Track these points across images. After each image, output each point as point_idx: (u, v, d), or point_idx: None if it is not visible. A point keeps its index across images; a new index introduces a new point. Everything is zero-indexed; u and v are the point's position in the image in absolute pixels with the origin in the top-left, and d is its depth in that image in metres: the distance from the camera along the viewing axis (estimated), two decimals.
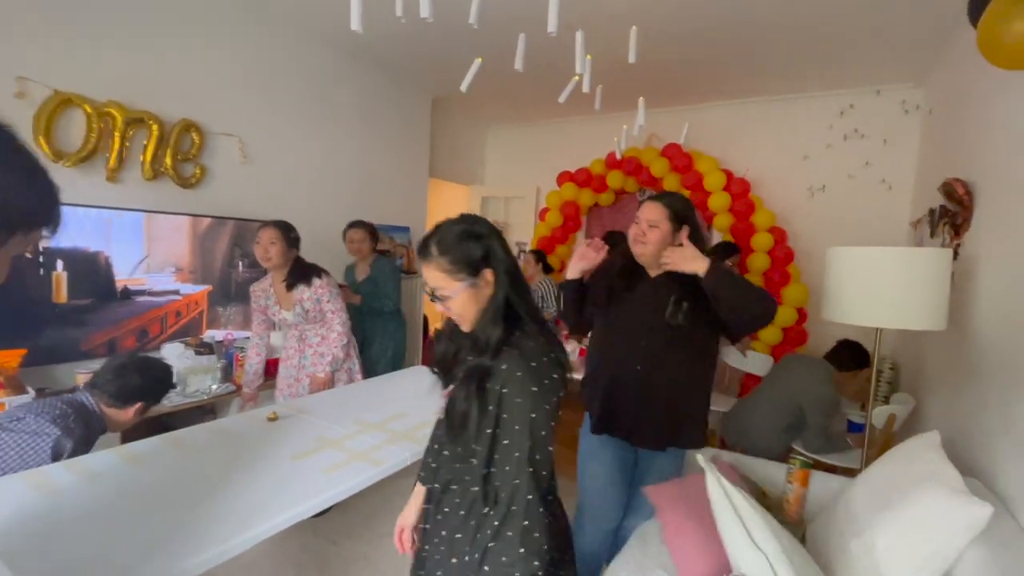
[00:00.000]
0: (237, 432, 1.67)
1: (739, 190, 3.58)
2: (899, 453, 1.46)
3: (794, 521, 1.70)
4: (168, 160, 2.46)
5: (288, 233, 2.22)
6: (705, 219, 3.84)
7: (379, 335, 3.02)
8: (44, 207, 0.65)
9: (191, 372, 2.45)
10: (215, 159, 2.71)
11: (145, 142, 2.38)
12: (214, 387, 2.49)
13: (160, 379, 1.75)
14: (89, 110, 2.18)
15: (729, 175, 3.63)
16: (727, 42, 2.90)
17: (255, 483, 1.33)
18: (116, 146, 2.27)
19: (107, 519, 1.12)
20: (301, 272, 2.24)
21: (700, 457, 1.30)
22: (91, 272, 2.23)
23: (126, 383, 1.63)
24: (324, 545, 2.14)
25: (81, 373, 2.10)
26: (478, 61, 2.31)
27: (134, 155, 2.37)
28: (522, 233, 5.01)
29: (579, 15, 2.56)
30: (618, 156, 3.72)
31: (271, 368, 2.53)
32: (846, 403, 2.81)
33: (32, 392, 1.92)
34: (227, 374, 2.63)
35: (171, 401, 2.29)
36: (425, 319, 4.80)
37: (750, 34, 2.79)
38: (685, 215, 1.54)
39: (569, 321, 1.75)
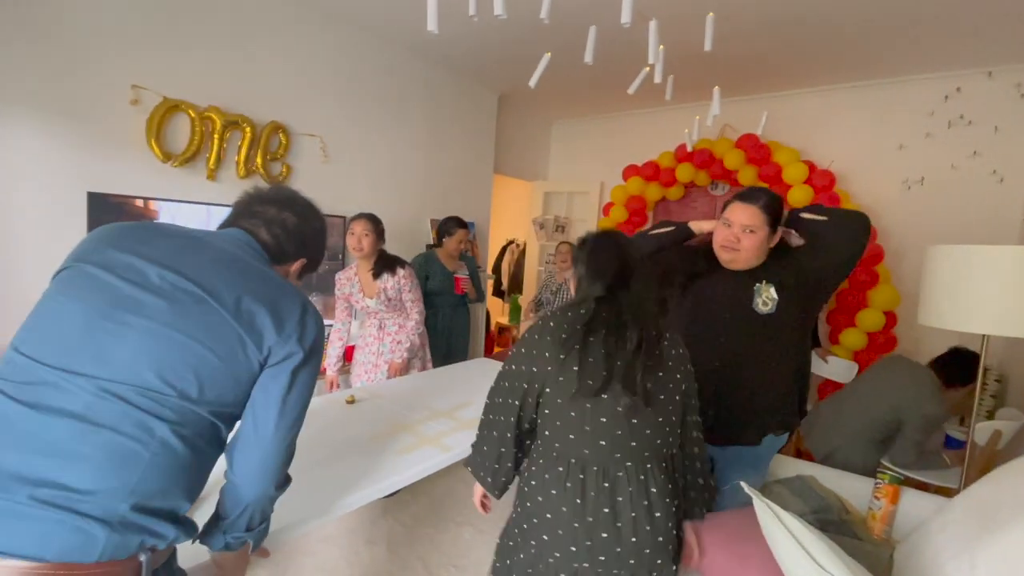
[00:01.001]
0: (320, 413, 1.79)
1: (823, 183, 3.34)
2: (1006, 472, 1.33)
3: (879, 539, 1.59)
4: (259, 159, 2.66)
5: (378, 225, 2.38)
6: None
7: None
8: (322, 259, 1.15)
9: None
10: (300, 158, 2.90)
11: (239, 143, 2.59)
12: None
13: None
14: (193, 115, 2.40)
15: (812, 167, 3.40)
16: (812, 26, 2.71)
17: (339, 461, 1.43)
18: (215, 147, 2.49)
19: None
20: (387, 262, 2.38)
21: (744, 484, 1.19)
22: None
23: None
24: (393, 525, 2.25)
25: None
26: (547, 56, 2.31)
27: (230, 155, 2.58)
28: (584, 228, 4.95)
29: (652, 3, 2.49)
30: (689, 148, 3.59)
31: (347, 355, 2.68)
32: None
33: None
34: None
35: None
36: (487, 313, 4.89)
37: (838, 16, 2.59)
38: (780, 215, 1.44)
39: (648, 249, 1.59)
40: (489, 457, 1.18)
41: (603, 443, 1.05)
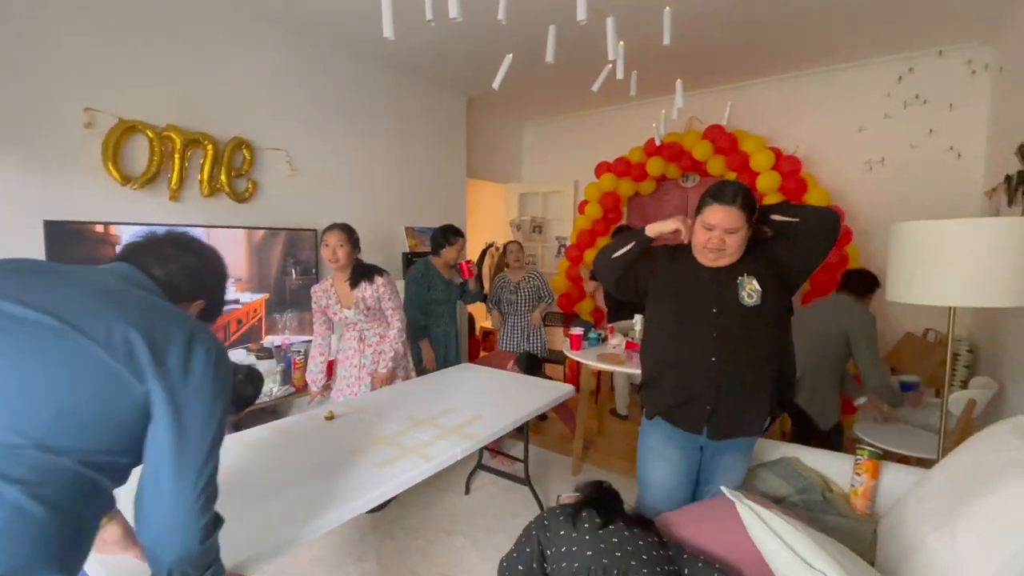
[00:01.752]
0: (298, 431, 1.75)
1: (790, 168, 3.40)
2: (981, 440, 1.35)
3: (863, 515, 1.62)
4: (223, 177, 2.61)
5: (352, 235, 2.33)
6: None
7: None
8: (223, 306, 1.09)
9: None
10: (265, 173, 2.85)
11: (202, 161, 2.53)
12: (275, 389, 2.63)
13: (259, 388, 1.92)
14: (151, 135, 2.34)
15: (778, 153, 3.46)
16: (766, 15, 2.76)
17: (316, 479, 1.39)
18: (176, 167, 2.43)
19: None
20: (364, 271, 2.34)
21: (725, 489, 1.24)
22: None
23: (242, 392, 1.80)
24: (382, 539, 2.21)
25: None
26: (508, 57, 2.31)
27: (192, 174, 2.53)
28: (561, 228, 4.98)
29: (608, 3, 2.51)
30: (657, 142, 3.63)
31: (330, 370, 2.63)
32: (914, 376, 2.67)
33: None
34: (286, 377, 2.76)
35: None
36: (471, 318, 4.86)
37: (791, 3, 2.64)
38: (755, 207, 1.44)
39: (614, 275, 1.60)
40: None
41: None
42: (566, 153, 4.92)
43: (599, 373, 3.56)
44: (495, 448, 2.83)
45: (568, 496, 1.55)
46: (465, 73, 3.69)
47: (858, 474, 1.66)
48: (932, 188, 3.25)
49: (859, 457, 1.67)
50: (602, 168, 4.26)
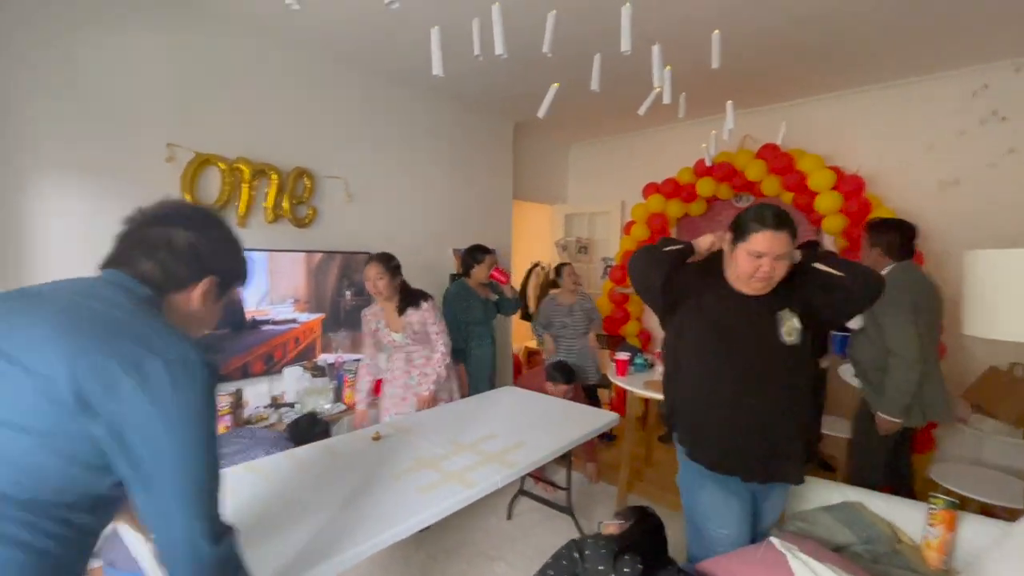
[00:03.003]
0: (347, 451, 1.81)
1: (851, 188, 3.24)
2: None
3: (937, 571, 1.48)
4: (285, 204, 2.78)
5: (389, 264, 2.39)
6: (812, 222, 3.53)
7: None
8: (245, 269, 0.99)
9: (308, 393, 2.72)
10: (324, 200, 3.01)
11: (267, 190, 2.71)
12: (327, 407, 2.73)
13: (325, 428, 2.47)
14: (223, 167, 2.53)
15: (839, 173, 3.31)
16: (823, 32, 2.67)
17: (362, 499, 1.43)
18: (244, 196, 2.61)
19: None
20: (410, 297, 2.43)
21: (776, 541, 1.17)
22: (226, 305, 2.57)
23: (311, 433, 2.31)
24: (426, 560, 2.23)
25: (220, 395, 2.40)
26: (554, 87, 2.35)
27: (258, 202, 2.71)
28: (607, 248, 4.94)
29: (655, 27, 2.51)
30: (708, 163, 3.55)
31: (376, 389, 2.72)
32: (999, 427, 2.42)
33: None
34: (338, 394, 2.87)
35: (291, 420, 2.54)
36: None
37: (850, 19, 2.54)
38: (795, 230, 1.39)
39: (660, 274, 1.48)
40: None
41: None
42: (612, 174, 4.90)
43: (647, 398, 3.47)
44: (538, 475, 2.80)
45: (610, 524, 1.51)
46: (512, 100, 3.78)
47: (932, 525, 1.53)
48: (1013, 211, 2.99)
49: (933, 507, 1.54)
50: (650, 189, 4.21)
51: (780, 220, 1.31)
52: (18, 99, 2.02)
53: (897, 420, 2.01)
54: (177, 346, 0.77)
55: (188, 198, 2.44)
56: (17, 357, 0.70)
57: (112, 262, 0.86)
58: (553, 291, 3.76)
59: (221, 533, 0.78)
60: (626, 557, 1.25)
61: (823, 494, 1.75)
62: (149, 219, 0.88)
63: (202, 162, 2.47)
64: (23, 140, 2.04)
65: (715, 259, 1.50)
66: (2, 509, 0.67)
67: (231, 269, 0.95)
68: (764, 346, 1.37)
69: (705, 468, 1.43)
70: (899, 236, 2.15)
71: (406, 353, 2.50)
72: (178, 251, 0.86)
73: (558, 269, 3.71)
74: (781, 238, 1.30)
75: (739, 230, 1.37)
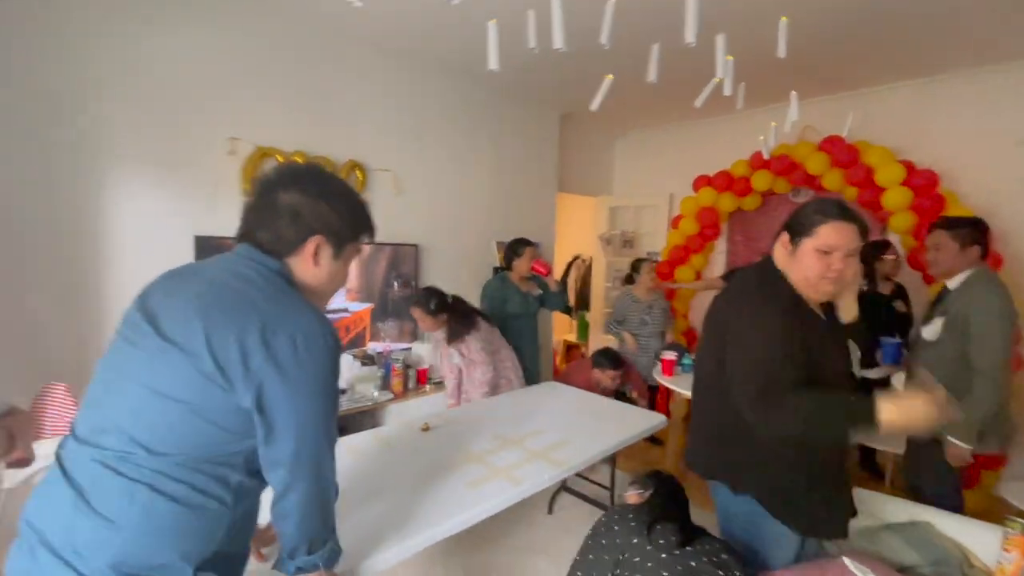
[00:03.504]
0: (397, 441, 1.86)
1: (924, 183, 3.02)
2: None
3: None
4: None
5: (428, 305, 2.47)
6: (878, 219, 3.32)
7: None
8: (357, 223, 0.97)
9: (358, 380, 2.80)
10: (375, 191, 3.07)
11: None
12: (375, 394, 2.81)
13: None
14: (281, 159, 2.62)
15: (910, 167, 3.09)
16: (901, 14, 2.48)
17: (413, 490, 1.47)
18: None
19: None
20: (455, 332, 2.50)
21: (849, 562, 1.12)
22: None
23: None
24: (469, 551, 2.27)
25: None
26: (609, 79, 2.29)
27: None
28: (653, 243, 4.82)
29: (717, 14, 2.40)
30: (765, 155, 3.40)
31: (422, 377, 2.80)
32: None
33: None
34: (385, 382, 2.94)
35: (342, 407, 2.63)
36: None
37: (931, 1, 2.35)
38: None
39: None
40: None
41: None
42: (660, 166, 4.76)
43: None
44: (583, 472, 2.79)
45: (631, 494, 1.48)
46: (561, 92, 3.72)
47: (1007, 550, 1.43)
48: None
49: (1010, 531, 1.43)
50: (701, 182, 4.07)
51: (845, 211, 1.19)
52: (93, 98, 2.15)
53: (969, 447, 1.78)
54: (300, 319, 0.83)
55: (249, 189, 2.54)
56: (172, 336, 0.79)
57: (242, 235, 0.91)
58: (628, 286, 3.67)
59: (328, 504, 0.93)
60: (658, 527, 1.22)
61: (889, 510, 1.66)
62: (262, 186, 0.91)
63: (262, 155, 2.56)
64: (98, 137, 2.17)
65: (773, 278, 1.28)
66: (164, 467, 0.77)
67: (338, 225, 0.92)
68: (845, 377, 1.26)
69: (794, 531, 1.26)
70: (985, 235, 1.95)
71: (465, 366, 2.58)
72: (282, 214, 0.88)
73: (636, 264, 3.61)
74: (850, 230, 1.18)
75: (800, 226, 1.22)
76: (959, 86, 3.18)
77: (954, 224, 1.96)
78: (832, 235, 1.17)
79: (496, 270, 3.76)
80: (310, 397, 0.84)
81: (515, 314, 2.97)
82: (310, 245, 0.89)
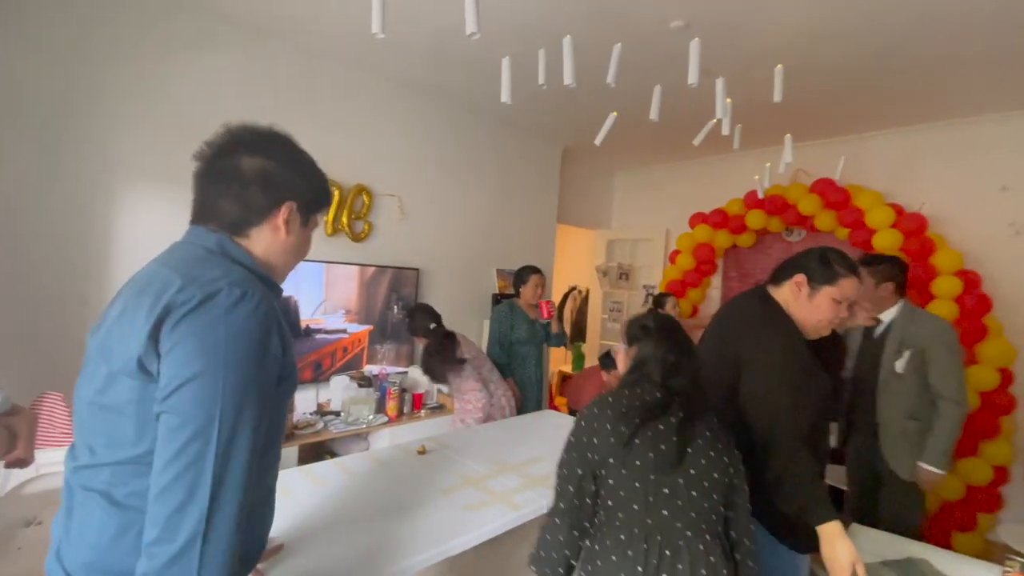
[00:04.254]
0: (392, 463, 1.84)
1: (913, 227, 3.12)
2: None
3: None
4: (344, 219, 2.90)
5: (410, 324, 2.60)
6: None
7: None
8: (323, 188, 0.94)
9: (353, 402, 2.78)
10: (380, 216, 3.12)
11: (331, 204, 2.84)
12: (370, 417, 2.78)
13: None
14: None
15: (899, 210, 3.20)
16: (891, 67, 2.62)
17: (412, 513, 1.45)
18: None
19: (294, 534, 1.30)
20: (453, 361, 2.50)
21: None
22: (284, 313, 2.68)
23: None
24: (474, 562, 2.21)
25: None
26: (613, 115, 2.39)
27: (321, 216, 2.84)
28: (649, 276, 4.89)
29: (718, 61, 2.52)
30: (760, 195, 3.50)
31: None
32: None
33: None
34: (380, 405, 2.92)
35: (336, 428, 2.60)
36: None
37: (921, 55, 2.49)
38: None
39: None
40: (556, 549, 1.15)
41: (665, 513, 1.08)
42: (658, 202, 4.89)
43: None
44: None
45: (619, 350, 1.31)
46: (564, 126, 3.85)
47: None
48: None
49: (1008, 569, 1.43)
50: (697, 219, 4.17)
51: (855, 265, 1.34)
52: (108, 113, 2.20)
53: (942, 472, 1.92)
54: (217, 281, 0.71)
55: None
56: (112, 357, 0.72)
57: (195, 215, 0.84)
58: None
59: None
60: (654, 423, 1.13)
61: (885, 547, 1.66)
62: (216, 151, 0.83)
63: None
64: (115, 155, 2.22)
65: (780, 314, 1.37)
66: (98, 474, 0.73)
67: (309, 191, 0.87)
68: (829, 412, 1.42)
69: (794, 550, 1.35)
70: (903, 273, 2.10)
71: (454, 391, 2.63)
72: (249, 180, 0.80)
73: (659, 299, 3.58)
74: (858, 284, 1.33)
75: (822, 274, 1.33)
76: (942, 136, 3.33)
77: (871, 260, 2.12)
78: (850, 289, 1.30)
79: (495, 297, 3.79)
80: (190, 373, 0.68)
81: (521, 340, 2.99)
82: (283, 212, 0.83)
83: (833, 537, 1.16)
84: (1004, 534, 2.13)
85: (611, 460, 1.11)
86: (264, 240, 0.84)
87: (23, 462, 1.02)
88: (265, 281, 0.82)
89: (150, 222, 2.31)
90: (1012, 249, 3.06)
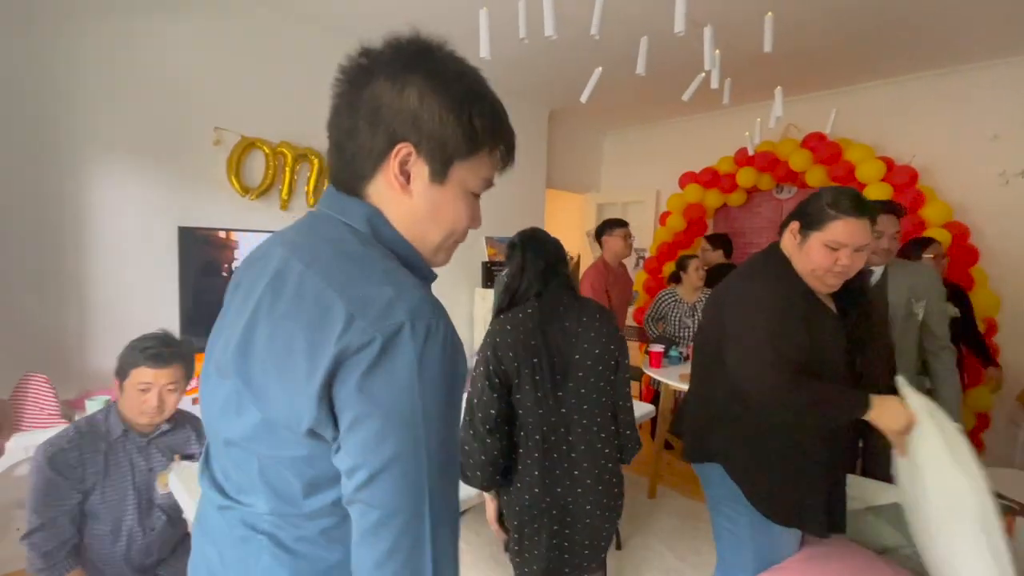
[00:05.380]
0: None
1: (903, 180, 3.10)
2: None
3: None
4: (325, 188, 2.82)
5: None
6: None
7: None
8: (503, 124, 0.69)
9: None
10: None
11: (309, 174, 2.76)
12: None
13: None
14: (267, 150, 2.58)
15: (889, 163, 3.17)
16: (881, 13, 2.54)
17: None
18: (287, 179, 2.66)
19: None
20: None
21: (901, 379, 1.15)
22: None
23: None
24: (466, 534, 2.27)
25: None
26: (599, 70, 2.31)
27: (300, 186, 2.76)
28: (641, 239, 4.85)
29: (706, 9, 2.43)
30: (750, 151, 3.45)
31: None
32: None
33: None
34: None
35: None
36: None
37: (914, 1, 2.41)
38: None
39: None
40: (474, 456, 1.28)
41: (563, 410, 1.30)
42: (648, 163, 4.81)
43: (677, 393, 3.42)
44: None
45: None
46: (550, 87, 3.73)
47: None
48: None
49: None
50: (687, 178, 4.12)
51: (860, 206, 1.16)
52: (78, 86, 2.10)
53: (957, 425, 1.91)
54: (394, 311, 0.51)
55: (234, 180, 2.50)
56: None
57: (330, 172, 0.64)
58: (673, 285, 3.47)
59: None
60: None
61: (872, 494, 1.70)
62: (352, 75, 0.62)
63: (247, 145, 2.53)
64: (82, 125, 2.12)
65: (779, 264, 1.28)
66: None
67: (443, 127, 0.57)
68: (844, 376, 1.24)
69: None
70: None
71: None
72: (361, 114, 0.58)
73: (682, 262, 3.33)
74: (861, 226, 1.15)
75: (811, 218, 1.21)
76: (933, 85, 3.27)
77: (892, 208, 1.98)
78: (841, 232, 1.15)
79: (486, 265, 3.76)
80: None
81: None
82: (392, 160, 0.58)
83: (879, 415, 1.10)
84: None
85: (517, 379, 1.29)
86: (386, 202, 0.60)
87: None
88: (423, 272, 0.63)
89: (119, 195, 2.23)
90: (1000, 198, 3.05)
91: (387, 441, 0.50)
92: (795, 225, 1.25)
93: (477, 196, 0.67)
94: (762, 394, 1.16)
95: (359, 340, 0.49)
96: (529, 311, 1.32)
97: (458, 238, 0.67)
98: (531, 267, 1.36)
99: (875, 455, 1.95)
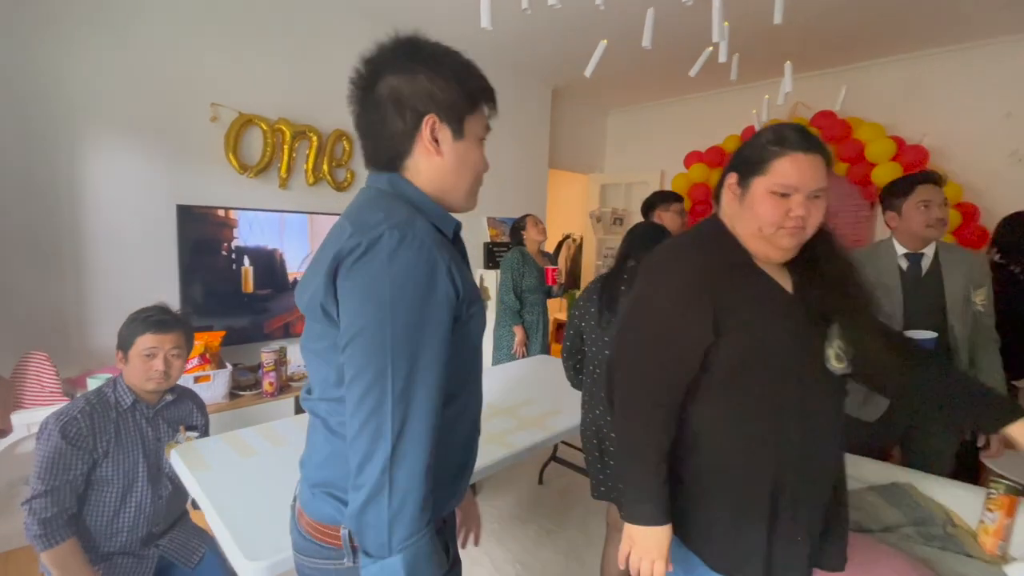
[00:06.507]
0: None
1: (914, 159, 3.03)
2: None
3: (992, 556, 1.42)
4: (325, 167, 2.78)
5: None
6: (867, 196, 3.33)
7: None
8: (483, 81, 0.84)
9: None
10: (362, 164, 3.00)
11: (307, 152, 2.72)
12: None
13: None
14: (265, 127, 2.54)
15: (900, 143, 3.10)
16: None
17: None
18: (285, 157, 2.63)
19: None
20: None
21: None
22: (270, 266, 2.63)
23: None
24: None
25: (264, 352, 2.46)
26: (603, 43, 2.25)
27: (299, 164, 2.72)
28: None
29: None
30: (758, 128, 3.37)
31: None
32: None
33: (230, 367, 2.32)
34: None
35: None
36: None
37: None
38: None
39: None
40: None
41: None
42: (652, 142, 4.73)
43: None
44: (571, 441, 2.82)
45: None
46: (552, 64, 3.65)
47: (990, 510, 1.46)
48: None
49: (993, 491, 1.46)
50: (692, 158, 4.05)
51: (807, 139, 0.88)
52: (74, 61, 2.06)
53: None
54: (379, 226, 0.67)
55: (231, 158, 2.47)
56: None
57: (366, 157, 0.81)
58: None
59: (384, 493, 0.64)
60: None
61: (872, 473, 1.69)
62: (362, 82, 0.76)
63: (245, 122, 2.49)
64: (78, 101, 2.09)
65: (711, 237, 0.99)
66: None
67: (446, 96, 0.74)
68: (805, 372, 0.91)
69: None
70: None
71: None
72: (385, 107, 0.73)
73: None
74: (814, 163, 0.87)
75: (749, 162, 0.92)
76: (946, 63, 3.18)
77: (931, 177, 1.78)
78: (790, 170, 0.87)
79: (487, 246, 3.73)
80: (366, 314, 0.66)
81: (531, 288, 3.00)
82: (424, 129, 0.73)
83: (630, 535, 0.91)
84: (989, 459, 2.18)
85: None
86: (423, 167, 0.76)
87: (1, 432, 0.99)
88: (435, 214, 0.77)
89: (116, 172, 2.20)
90: (1012, 178, 2.98)
91: (361, 314, 0.65)
92: (732, 177, 0.95)
93: (483, 141, 0.85)
94: (615, 411, 0.97)
95: (351, 244, 0.66)
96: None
97: (479, 181, 0.85)
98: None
99: (921, 453, 1.87)
